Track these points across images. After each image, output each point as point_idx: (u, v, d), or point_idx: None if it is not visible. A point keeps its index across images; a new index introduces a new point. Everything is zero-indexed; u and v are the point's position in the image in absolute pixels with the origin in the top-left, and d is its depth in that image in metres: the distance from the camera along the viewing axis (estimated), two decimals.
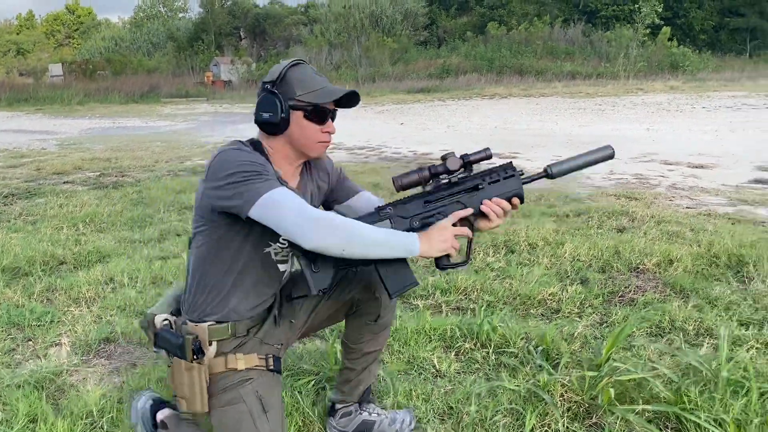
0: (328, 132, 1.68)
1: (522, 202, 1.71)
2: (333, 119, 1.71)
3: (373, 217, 1.66)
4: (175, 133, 14.00)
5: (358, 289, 1.91)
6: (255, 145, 1.69)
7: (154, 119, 18.49)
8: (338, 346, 2.70)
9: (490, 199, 1.67)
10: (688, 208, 5.20)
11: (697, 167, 7.13)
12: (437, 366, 2.53)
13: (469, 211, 1.66)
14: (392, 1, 41.04)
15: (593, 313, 3.07)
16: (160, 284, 3.62)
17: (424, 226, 1.65)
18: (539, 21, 34.21)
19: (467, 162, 1.66)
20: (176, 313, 1.81)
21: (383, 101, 21.38)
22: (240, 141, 1.69)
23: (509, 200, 1.68)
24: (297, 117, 1.64)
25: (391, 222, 1.65)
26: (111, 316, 3.15)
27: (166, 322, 1.76)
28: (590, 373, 2.28)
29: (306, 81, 1.64)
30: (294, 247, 1.56)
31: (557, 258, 3.82)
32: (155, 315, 1.78)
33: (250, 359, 1.72)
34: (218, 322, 1.70)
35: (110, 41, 53.29)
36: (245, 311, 1.73)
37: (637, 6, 31.22)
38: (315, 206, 1.84)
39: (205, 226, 1.67)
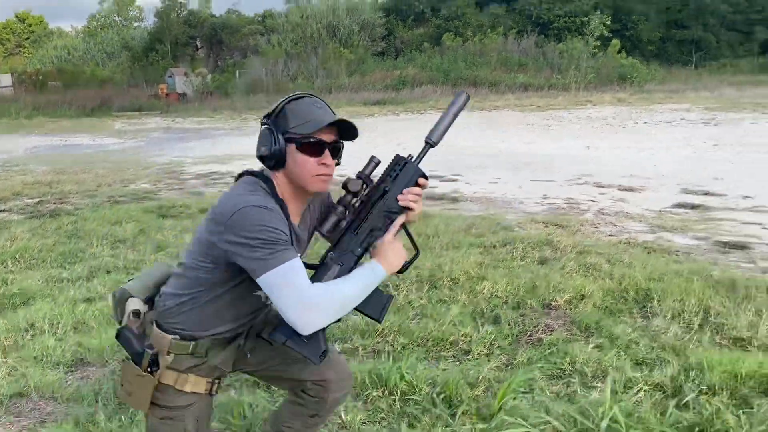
0: (324, 164, 1.67)
1: (426, 179, 1.80)
2: (336, 153, 1.71)
3: (323, 270, 1.72)
4: (123, 152, 13.81)
5: (313, 378, 1.95)
6: (269, 184, 1.70)
7: (104, 136, 18.18)
8: (247, 399, 2.76)
9: (401, 193, 1.75)
10: (611, 235, 5.41)
11: (626, 190, 7.40)
12: (344, 417, 2.60)
13: (402, 219, 1.75)
14: (349, 12, 41.10)
15: (501, 354, 3.19)
16: (82, 330, 3.62)
17: (366, 249, 1.75)
18: (493, 32, 34.77)
19: (365, 177, 1.75)
20: (149, 300, 1.82)
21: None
22: (256, 180, 1.70)
23: (417, 184, 1.77)
24: (291, 150, 1.66)
25: (339, 265, 1.72)
26: (26, 367, 3.14)
27: (137, 311, 1.77)
28: (480, 426, 2.39)
29: (300, 113, 1.66)
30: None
31: (475, 294, 3.94)
32: (130, 296, 1.79)
33: (199, 384, 1.77)
34: (183, 339, 1.74)
35: (62, 50, 52.02)
36: (215, 334, 1.78)
37: (586, 18, 32.03)
38: (311, 236, 1.91)
39: (207, 264, 1.69)
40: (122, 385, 1.77)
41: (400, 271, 1.75)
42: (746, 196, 6.77)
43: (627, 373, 2.88)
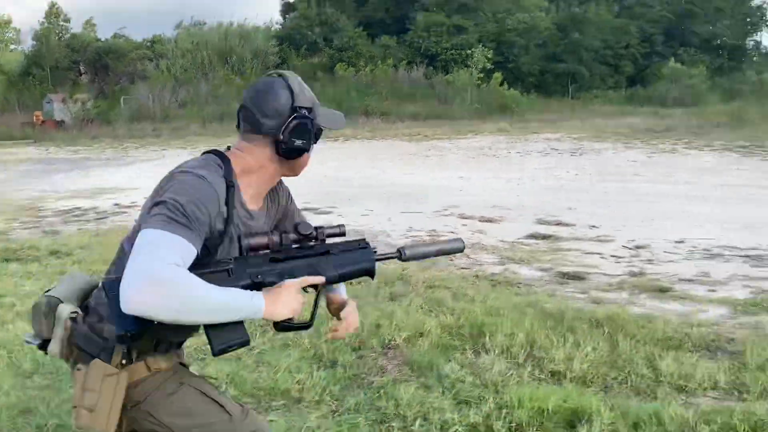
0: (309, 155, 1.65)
1: (373, 278, 1.69)
2: None
3: (213, 265, 1.49)
4: None
5: None
6: (225, 163, 1.53)
7: None
8: None
9: (341, 266, 1.61)
10: (463, 268, 5.59)
11: (487, 221, 7.71)
12: None
13: (321, 279, 1.56)
14: (242, 39, 40.80)
15: (331, 400, 3.18)
16: None
17: (263, 284, 1.51)
18: (384, 63, 35.66)
19: (320, 232, 1.61)
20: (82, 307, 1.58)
21: (227, 142, 20.92)
22: (214, 157, 1.56)
23: (359, 274, 1.65)
24: None
25: (229, 273, 1.47)
26: None
27: (75, 314, 1.52)
28: None
29: (316, 101, 1.62)
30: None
31: (320, 336, 3.92)
32: (60, 302, 1.54)
33: (168, 358, 1.58)
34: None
35: None
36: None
37: (470, 51, 33.64)
38: (271, 224, 1.71)
39: None
40: (75, 407, 1.47)
41: (277, 326, 1.51)
42: (593, 226, 7.24)
43: (446, 414, 2.95)
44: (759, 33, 46.39)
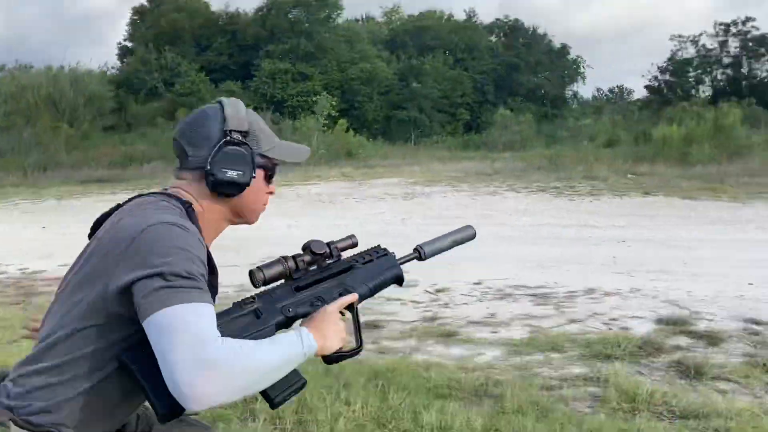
0: (271, 193, 1.49)
1: (401, 284, 1.59)
2: None
3: (234, 310, 1.33)
4: None
5: None
6: (186, 206, 1.33)
7: None
8: None
9: (369, 278, 1.50)
10: None
11: None
12: None
13: (355, 296, 1.45)
14: (73, 84, 38.44)
15: None
16: None
17: (296, 317, 1.39)
18: None
19: (334, 248, 1.49)
20: None
21: (47, 195, 19.33)
22: (164, 197, 1.33)
23: (390, 283, 1.54)
24: (259, 176, 1.41)
25: (257, 314, 1.32)
26: None
27: None
28: None
29: (268, 132, 1.46)
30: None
31: None
32: None
33: None
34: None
35: None
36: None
37: (316, 98, 34.27)
38: None
39: (95, 323, 1.20)
40: None
41: (329, 359, 1.37)
42: None
43: None
44: (576, 84, 51.83)
